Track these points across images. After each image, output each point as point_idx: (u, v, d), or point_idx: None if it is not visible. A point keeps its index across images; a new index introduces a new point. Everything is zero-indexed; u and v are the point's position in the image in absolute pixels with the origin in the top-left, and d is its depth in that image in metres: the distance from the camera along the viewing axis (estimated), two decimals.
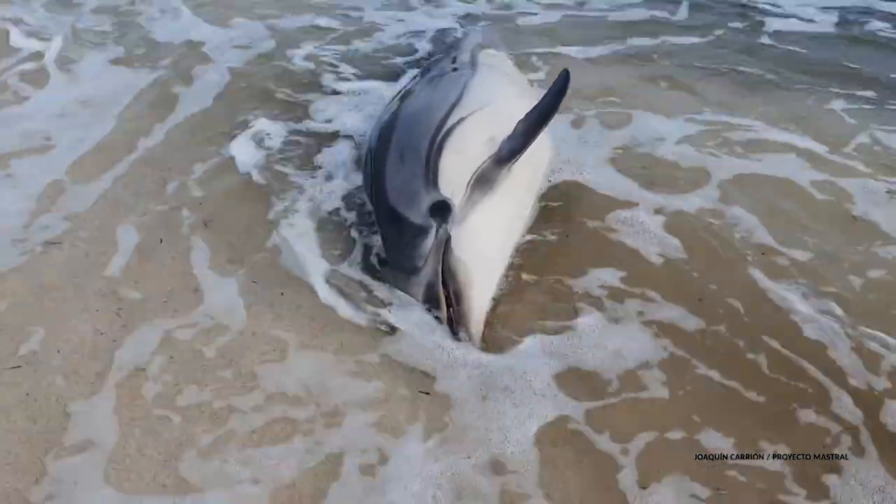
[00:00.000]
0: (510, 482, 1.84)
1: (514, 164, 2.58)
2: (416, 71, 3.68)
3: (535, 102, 2.69)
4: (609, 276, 2.50)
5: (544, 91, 2.73)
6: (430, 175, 2.51)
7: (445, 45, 3.89)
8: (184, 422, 2.01)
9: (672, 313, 2.36)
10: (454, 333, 2.26)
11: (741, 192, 2.93)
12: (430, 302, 2.32)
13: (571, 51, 4.35)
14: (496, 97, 2.95)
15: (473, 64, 3.32)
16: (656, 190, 2.91)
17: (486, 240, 2.47)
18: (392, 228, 2.49)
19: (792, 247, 2.63)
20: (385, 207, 2.55)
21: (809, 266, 2.55)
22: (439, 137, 2.63)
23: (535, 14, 5.03)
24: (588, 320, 2.32)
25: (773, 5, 5.26)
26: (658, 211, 2.79)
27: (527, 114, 2.66)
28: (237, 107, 3.56)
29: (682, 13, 5.23)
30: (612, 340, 2.25)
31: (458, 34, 4.17)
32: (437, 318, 2.31)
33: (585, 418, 2.02)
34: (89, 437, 1.97)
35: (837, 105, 3.69)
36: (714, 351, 2.24)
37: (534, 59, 4.19)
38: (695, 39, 4.66)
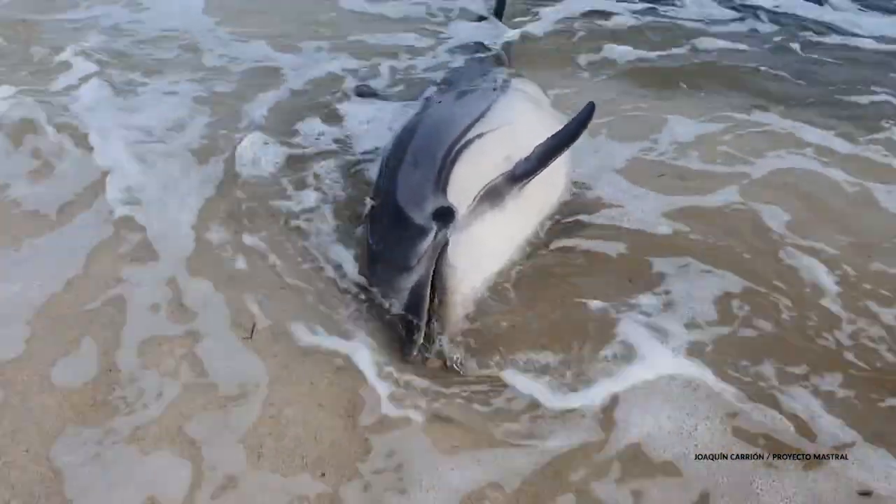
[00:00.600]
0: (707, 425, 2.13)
1: (525, 184, 2.64)
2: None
3: (558, 129, 2.74)
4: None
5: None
6: (441, 180, 2.60)
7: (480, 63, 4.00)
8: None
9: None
10: (429, 339, 2.30)
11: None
12: (415, 301, 2.34)
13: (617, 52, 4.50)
14: (520, 119, 3.03)
15: (505, 85, 3.41)
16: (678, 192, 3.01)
17: (482, 253, 2.53)
18: (393, 225, 2.56)
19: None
20: (391, 203, 2.62)
21: None
22: (458, 146, 2.72)
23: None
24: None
25: (854, 25, 5.08)
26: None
27: (548, 138, 2.71)
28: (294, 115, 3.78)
29: (765, 28, 5.16)
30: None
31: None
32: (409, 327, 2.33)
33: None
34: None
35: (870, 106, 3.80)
36: None
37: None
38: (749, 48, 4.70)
